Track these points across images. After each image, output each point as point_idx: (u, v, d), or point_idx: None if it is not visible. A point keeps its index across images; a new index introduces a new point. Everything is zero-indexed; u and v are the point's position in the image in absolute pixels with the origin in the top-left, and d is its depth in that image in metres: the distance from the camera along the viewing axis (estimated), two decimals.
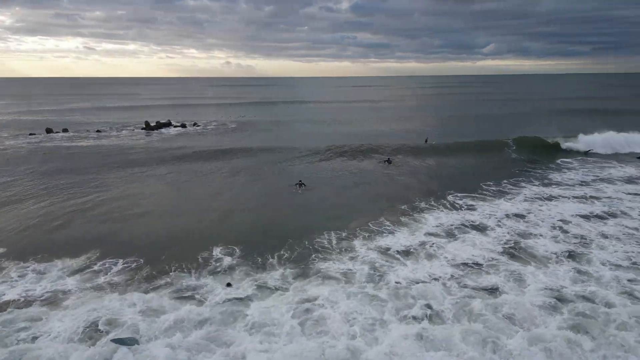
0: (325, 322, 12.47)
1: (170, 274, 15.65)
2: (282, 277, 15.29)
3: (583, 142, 36.64)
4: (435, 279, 14.97)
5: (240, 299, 13.82)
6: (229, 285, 14.79)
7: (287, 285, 14.71)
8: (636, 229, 19.43)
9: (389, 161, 33.66)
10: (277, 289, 14.46)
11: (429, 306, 13.21)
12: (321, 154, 35.61)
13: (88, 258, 16.96)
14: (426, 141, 39.14)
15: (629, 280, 14.69)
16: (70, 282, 15.03)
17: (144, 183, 28.23)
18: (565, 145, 36.72)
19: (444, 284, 14.62)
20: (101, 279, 15.29)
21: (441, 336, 11.65)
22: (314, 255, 17.12)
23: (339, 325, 12.29)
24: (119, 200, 24.23)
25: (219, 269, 15.98)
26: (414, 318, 12.59)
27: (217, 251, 17.48)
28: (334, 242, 18.43)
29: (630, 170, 30.65)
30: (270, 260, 16.71)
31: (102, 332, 12.15)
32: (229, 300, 13.80)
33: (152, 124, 54.62)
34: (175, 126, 55.72)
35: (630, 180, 28.11)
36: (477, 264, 16.21)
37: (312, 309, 13.14)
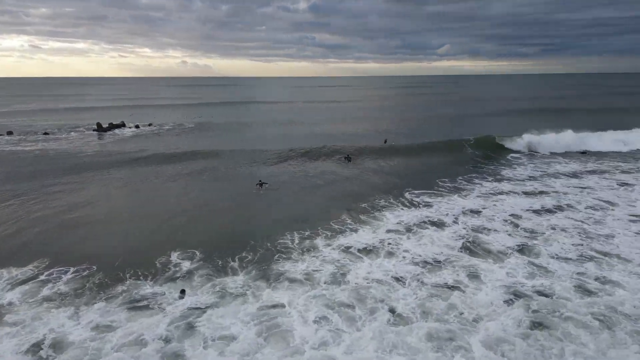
0: (290, 333, 12.07)
1: (125, 281, 15.00)
2: (244, 282, 14.95)
3: (545, 141, 37.85)
4: (397, 279, 15.09)
5: (200, 309, 13.30)
6: (182, 292, 14.12)
7: (249, 291, 14.34)
8: (582, 221, 20.48)
9: (348, 158, 34.08)
10: (238, 296, 14.05)
11: (392, 310, 13.14)
12: (282, 156, 35.34)
13: (36, 267, 16.00)
14: (385, 142, 39.75)
15: (578, 274, 15.28)
16: (14, 295, 14.08)
17: (97, 187, 27.03)
18: (515, 143, 37.93)
19: (406, 284, 14.74)
20: (49, 290, 14.42)
21: (406, 340, 11.66)
22: (277, 256, 16.93)
23: (303, 335, 11.95)
24: (70, 206, 23.06)
25: (177, 275, 15.47)
26: (378, 322, 12.48)
27: (175, 256, 16.94)
28: (297, 241, 18.32)
29: (574, 165, 32.36)
30: (232, 263, 16.38)
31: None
32: (188, 309, 13.26)
33: (105, 126, 52.48)
34: (129, 127, 53.82)
35: (574, 175, 29.67)
36: (437, 261, 16.51)
37: (275, 318, 12.76)
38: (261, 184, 27.16)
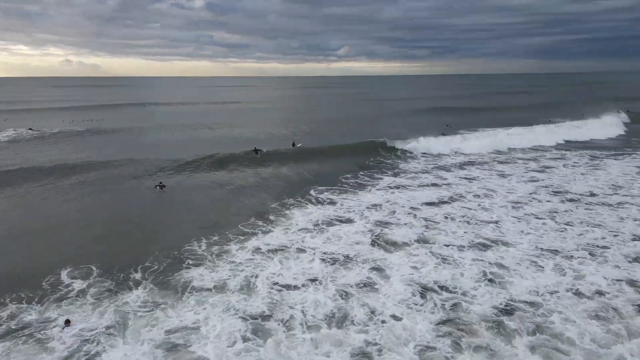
0: None
1: (5, 308, 13.15)
2: (148, 298, 13.74)
3: (435, 141, 39.62)
4: (311, 280, 14.94)
5: (94, 339, 11.64)
6: (67, 323, 12.12)
7: (154, 310, 13.02)
8: (472, 210, 22.32)
9: (256, 151, 34.59)
10: (142, 317, 12.69)
11: (306, 319, 12.52)
12: (184, 162, 32.62)
13: None
14: (294, 145, 39.95)
15: (475, 260, 16.33)
16: None
17: None
18: (410, 145, 38.52)
19: (319, 285, 14.59)
20: None
21: (321, 350, 11.23)
22: (185, 264, 16.09)
23: None
24: None
25: (70, 295, 13.92)
26: (294, 337, 11.80)
27: (65, 274, 15.27)
28: (205, 247, 17.63)
29: (459, 158, 35.47)
30: (134, 275, 15.20)
31: None
32: (80, 341, 11.50)
33: None
34: (4, 133, 47.53)
35: (461, 166, 32.58)
36: (347, 257, 16.74)
37: (185, 344, 11.45)
38: (161, 186, 25.96)
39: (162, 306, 13.32)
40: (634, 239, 18.37)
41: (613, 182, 27.45)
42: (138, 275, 15.20)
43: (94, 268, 15.69)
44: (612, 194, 24.77)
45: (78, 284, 14.62)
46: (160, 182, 26.50)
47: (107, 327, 12.20)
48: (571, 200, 23.86)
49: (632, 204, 22.90)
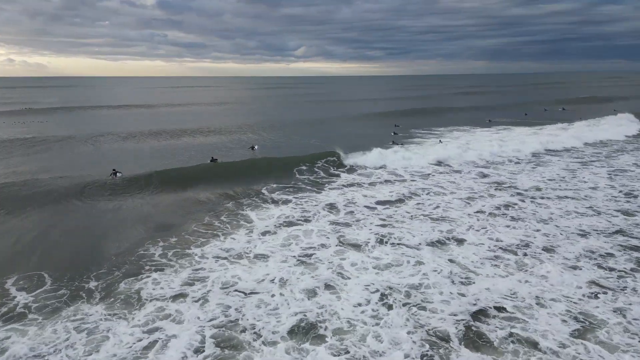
0: None
1: None
2: (102, 311, 12.87)
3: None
4: (274, 285, 14.56)
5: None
6: None
7: (112, 325, 12.21)
8: (430, 207, 22.95)
9: (252, 148, 37.71)
10: (95, 331, 11.83)
11: (270, 333, 11.85)
12: (137, 174, 29.73)
13: None
14: (252, 148, 39.77)
15: (439, 257, 16.37)
16: None
17: None
18: (361, 157, 35.27)
19: (282, 290, 14.21)
20: None
21: None
22: (144, 268, 15.65)
23: None
24: None
25: (16, 311, 12.93)
26: (258, 345, 11.33)
27: (11, 283, 14.43)
28: (160, 251, 17.21)
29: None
30: (90, 284, 14.53)
31: None
32: None
33: None
34: None
35: (416, 164, 33.18)
36: (310, 259, 16.61)
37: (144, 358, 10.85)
38: (115, 173, 25.74)
39: (119, 318, 12.67)
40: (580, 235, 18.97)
41: (558, 177, 28.84)
42: (94, 285, 14.59)
43: (45, 276, 15.03)
44: (556, 189, 26.17)
45: (23, 297, 13.76)
46: (114, 169, 25.49)
47: (63, 347, 11.37)
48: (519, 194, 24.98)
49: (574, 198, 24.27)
